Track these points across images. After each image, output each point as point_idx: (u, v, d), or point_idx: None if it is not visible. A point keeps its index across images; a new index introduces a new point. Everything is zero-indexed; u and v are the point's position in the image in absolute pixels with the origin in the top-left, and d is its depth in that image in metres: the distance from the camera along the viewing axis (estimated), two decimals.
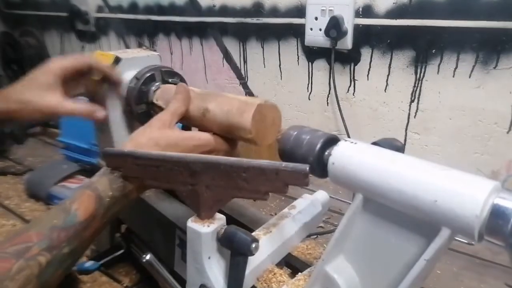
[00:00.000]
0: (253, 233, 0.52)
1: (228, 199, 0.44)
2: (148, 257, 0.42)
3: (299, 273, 0.49)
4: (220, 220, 0.45)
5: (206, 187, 0.43)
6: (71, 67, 0.56)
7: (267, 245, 0.50)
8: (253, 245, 0.41)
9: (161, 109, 0.63)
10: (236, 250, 0.42)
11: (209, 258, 0.44)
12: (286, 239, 0.53)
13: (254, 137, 0.48)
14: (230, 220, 0.62)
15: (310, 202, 0.59)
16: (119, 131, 0.69)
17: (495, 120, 0.83)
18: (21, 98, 0.53)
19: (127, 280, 0.83)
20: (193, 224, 0.44)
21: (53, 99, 0.54)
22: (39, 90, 0.53)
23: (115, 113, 0.68)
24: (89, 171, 1.16)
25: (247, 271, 0.45)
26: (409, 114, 0.94)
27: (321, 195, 0.61)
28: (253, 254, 0.41)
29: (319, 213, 0.58)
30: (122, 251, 0.80)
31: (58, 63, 0.55)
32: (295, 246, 0.56)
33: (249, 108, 0.48)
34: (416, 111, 0.93)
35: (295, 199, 0.60)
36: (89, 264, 0.77)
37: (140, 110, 0.65)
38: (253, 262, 0.47)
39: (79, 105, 0.57)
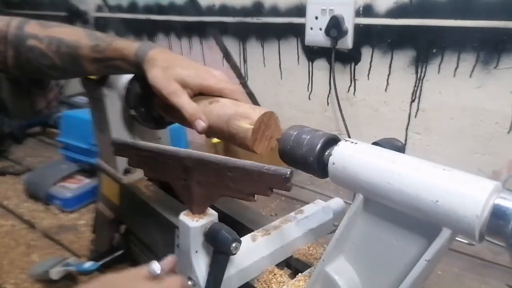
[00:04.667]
0: (251, 234, 0.52)
1: (217, 196, 0.44)
2: (158, 270, 0.41)
3: (299, 274, 0.49)
4: (210, 216, 0.45)
5: (197, 183, 0.45)
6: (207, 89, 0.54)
7: (263, 247, 0.50)
8: (234, 245, 0.41)
9: (162, 109, 0.63)
10: (217, 248, 0.42)
11: (196, 252, 0.45)
12: (286, 243, 0.52)
13: (254, 149, 0.49)
14: (230, 220, 0.62)
15: (320, 208, 0.57)
16: (119, 132, 0.69)
17: (496, 120, 0.82)
18: (152, 72, 0.53)
19: None
20: (184, 217, 0.45)
21: (177, 86, 0.52)
22: (170, 79, 0.52)
23: (115, 113, 0.68)
24: (88, 171, 1.15)
25: (236, 270, 0.46)
26: (409, 114, 0.94)
27: (335, 203, 0.60)
28: (233, 254, 0.41)
29: (329, 221, 0.57)
30: (121, 251, 0.80)
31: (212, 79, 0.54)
32: (296, 249, 0.55)
33: (251, 120, 0.47)
34: (417, 111, 0.92)
35: (296, 199, 0.59)
36: (88, 264, 0.76)
37: (139, 111, 0.64)
38: (244, 262, 0.47)
39: (192, 104, 0.52)
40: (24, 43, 0.57)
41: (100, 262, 0.77)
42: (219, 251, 0.42)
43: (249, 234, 0.52)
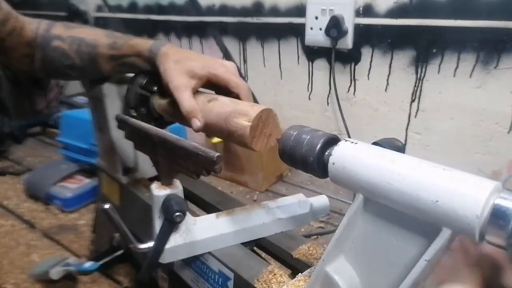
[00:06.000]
0: (218, 212, 0.55)
1: (175, 171, 0.50)
2: (107, 206, 0.48)
3: (299, 274, 0.49)
4: (175, 188, 0.50)
5: (162, 158, 0.50)
6: (218, 80, 0.54)
7: (225, 225, 0.53)
8: (177, 214, 0.46)
9: (163, 110, 0.63)
10: (165, 216, 0.48)
11: (158, 217, 0.50)
12: (251, 226, 0.54)
13: (253, 146, 0.49)
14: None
15: (296, 201, 0.58)
16: (119, 132, 0.69)
17: (496, 120, 0.82)
18: (165, 65, 0.54)
19: (126, 280, 0.82)
20: (153, 187, 0.51)
21: (184, 81, 0.53)
22: (181, 71, 0.53)
23: (115, 113, 0.68)
24: (88, 171, 1.15)
25: (192, 240, 0.51)
26: (409, 114, 0.94)
27: (317, 199, 0.60)
28: (177, 222, 0.47)
29: (303, 215, 0.58)
30: (121, 251, 0.80)
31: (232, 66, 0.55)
32: (294, 247, 0.56)
33: (249, 116, 0.48)
34: (417, 111, 0.92)
35: None
36: (88, 264, 0.76)
37: (139, 111, 0.64)
38: (204, 234, 0.52)
39: (191, 101, 0.52)
40: (49, 45, 0.59)
41: (100, 262, 0.77)
42: (166, 218, 0.48)
43: (215, 213, 0.55)
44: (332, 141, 0.42)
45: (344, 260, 0.41)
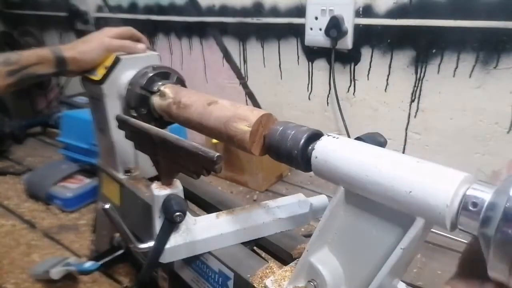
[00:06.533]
0: (218, 212, 0.56)
1: (176, 171, 0.50)
2: (107, 206, 0.49)
3: (288, 265, 0.49)
4: (176, 188, 0.51)
5: (162, 158, 0.51)
6: (119, 34, 0.67)
7: (225, 224, 0.54)
8: (177, 214, 0.47)
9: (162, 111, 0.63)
10: (165, 215, 0.48)
11: (159, 217, 0.51)
12: (250, 225, 0.54)
13: (252, 151, 0.49)
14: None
15: (296, 201, 0.58)
16: (119, 132, 0.69)
17: (496, 120, 0.82)
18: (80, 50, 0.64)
19: (127, 280, 0.82)
20: (153, 186, 0.52)
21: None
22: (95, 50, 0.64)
23: (115, 113, 0.68)
24: (88, 171, 1.15)
25: (192, 240, 0.51)
26: (409, 114, 0.94)
27: (318, 199, 0.60)
28: (177, 222, 0.48)
29: (303, 215, 0.58)
30: (122, 251, 0.80)
31: (109, 31, 0.67)
32: (294, 247, 0.56)
33: (249, 121, 0.48)
34: (417, 111, 0.93)
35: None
36: (89, 264, 0.77)
37: (140, 111, 0.65)
38: (204, 234, 0.52)
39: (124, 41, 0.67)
40: None
41: (100, 262, 0.77)
42: (166, 218, 0.48)
43: (216, 212, 0.55)
44: (316, 136, 0.44)
45: (328, 251, 0.42)
